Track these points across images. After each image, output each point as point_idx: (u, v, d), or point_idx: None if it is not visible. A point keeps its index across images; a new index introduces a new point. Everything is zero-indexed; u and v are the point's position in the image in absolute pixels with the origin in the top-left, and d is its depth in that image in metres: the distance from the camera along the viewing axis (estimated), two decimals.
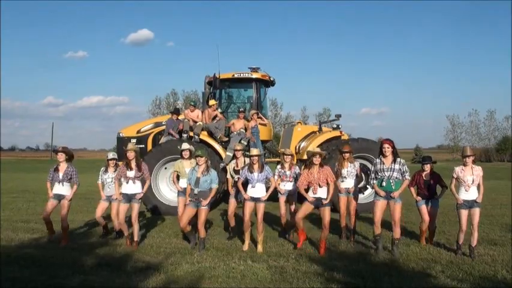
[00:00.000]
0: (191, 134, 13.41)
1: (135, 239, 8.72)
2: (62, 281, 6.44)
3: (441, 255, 7.93)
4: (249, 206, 8.50)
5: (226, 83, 14.63)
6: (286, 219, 9.42)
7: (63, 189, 8.94)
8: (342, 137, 14.25)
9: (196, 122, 13.65)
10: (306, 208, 8.26)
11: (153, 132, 14.17)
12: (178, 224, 9.42)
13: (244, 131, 13.36)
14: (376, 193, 8.14)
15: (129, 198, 8.70)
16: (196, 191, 8.29)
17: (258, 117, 13.66)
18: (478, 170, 7.83)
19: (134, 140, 13.77)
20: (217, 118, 13.79)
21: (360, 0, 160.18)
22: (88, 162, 57.97)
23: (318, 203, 8.17)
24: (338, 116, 14.96)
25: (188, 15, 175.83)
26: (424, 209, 8.70)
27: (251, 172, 8.46)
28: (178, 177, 9.51)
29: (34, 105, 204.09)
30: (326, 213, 8.17)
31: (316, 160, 8.20)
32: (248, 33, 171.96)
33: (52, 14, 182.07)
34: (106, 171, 9.43)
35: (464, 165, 7.89)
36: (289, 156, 9.21)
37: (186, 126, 13.45)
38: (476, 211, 7.82)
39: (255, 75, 14.46)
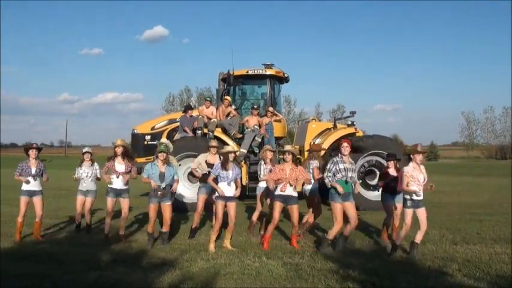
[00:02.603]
0: (205, 130, 13.43)
1: (121, 232, 8.99)
2: (77, 277, 6.46)
3: (457, 254, 7.83)
4: (221, 204, 8.29)
5: (240, 80, 14.64)
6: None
7: (35, 184, 8.92)
8: (357, 134, 14.20)
9: (210, 118, 13.67)
10: (279, 207, 8.23)
11: (167, 129, 14.24)
12: (193, 220, 9.49)
13: (258, 128, 13.35)
14: (336, 193, 7.86)
15: (117, 193, 8.89)
16: (163, 185, 8.31)
17: (274, 114, 13.65)
18: (423, 169, 7.69)
19: (149, 137, 13.89)
20: (231, 115, 13.80)
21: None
22: (99, 158, 58.28)
23: (286, 200, 8.18)
24: (353, 113, 14.90)
25: (203, 12, 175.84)
26: (389, 205, 8.70)
27: (226, 170, 8.18)
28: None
29: (49, 102, 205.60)
30: (294, 211, 8.19)
31: (287, 158, 8.18)
32: (262, 29, 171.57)
33: (67, 11, 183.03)
34: (80, 165, 9.58)
35: (416, 163, 7.67)
36: (272, 153, 9.14)
37: (200, 123, 13.47)
38: (423, 210, 7.60)
39: (269, 72, 14.46)
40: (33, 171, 8.87)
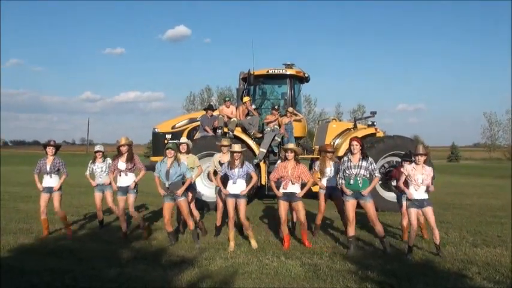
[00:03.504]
0: (225, 130, 13.49)
1: (141, 224, 9.15)
2: (99, 273, 6.56)
3: (477, 256, 7.74)
4: (231, 203, 8.39)
5: (261, 79, 14.64)
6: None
7: (51, 181, 9.09)
8: (377, 134, 14.13)
9: (230, 118, 13.73)
10: (283, 206, 8.30)
11: (187, 128, 14.31)
12: (212, 219, 9.55)
13: (278, 128, 13.37)
14: (345, 193, 8.13)
15: (124, 190, 9.01)
16: (167, 184, 8.32)
17: (294, 114, 13.66)
18: (429, 170, 7.69)
19: (169, 136, 13.99)
20: (251, 114, 13.83)
21: None
22: None
23: (290, 197, 8.24)
24: (373, 113, 14.81)
25: (226, 12, 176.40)
26: (405, 204, 8.62)
27: (231, 168, 8.34)
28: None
29: (72, 100, 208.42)
30: (300, 208, 8.28)
31: (289, 156, 8.24)
32: (284, 29, 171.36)
33: (91, 11, 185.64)
34: (94, 162, 9.86)
35: (416, 163, 7.73)
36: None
37: (220, 122, 13.54)
38: (429, 210, 7.65)
39: (289, 72, 14.44)
40: (48, 168, 9.05)
